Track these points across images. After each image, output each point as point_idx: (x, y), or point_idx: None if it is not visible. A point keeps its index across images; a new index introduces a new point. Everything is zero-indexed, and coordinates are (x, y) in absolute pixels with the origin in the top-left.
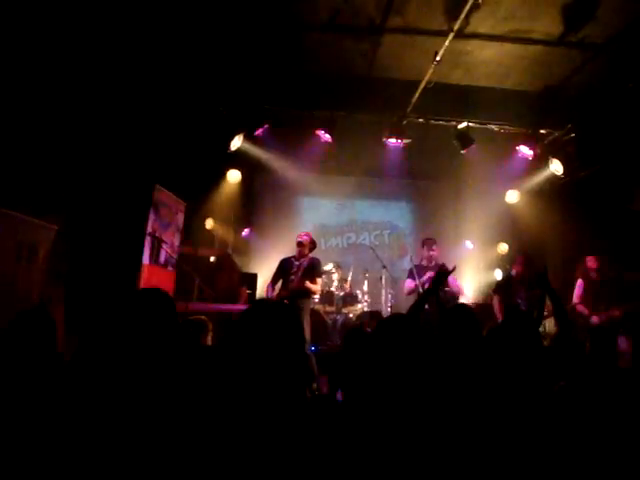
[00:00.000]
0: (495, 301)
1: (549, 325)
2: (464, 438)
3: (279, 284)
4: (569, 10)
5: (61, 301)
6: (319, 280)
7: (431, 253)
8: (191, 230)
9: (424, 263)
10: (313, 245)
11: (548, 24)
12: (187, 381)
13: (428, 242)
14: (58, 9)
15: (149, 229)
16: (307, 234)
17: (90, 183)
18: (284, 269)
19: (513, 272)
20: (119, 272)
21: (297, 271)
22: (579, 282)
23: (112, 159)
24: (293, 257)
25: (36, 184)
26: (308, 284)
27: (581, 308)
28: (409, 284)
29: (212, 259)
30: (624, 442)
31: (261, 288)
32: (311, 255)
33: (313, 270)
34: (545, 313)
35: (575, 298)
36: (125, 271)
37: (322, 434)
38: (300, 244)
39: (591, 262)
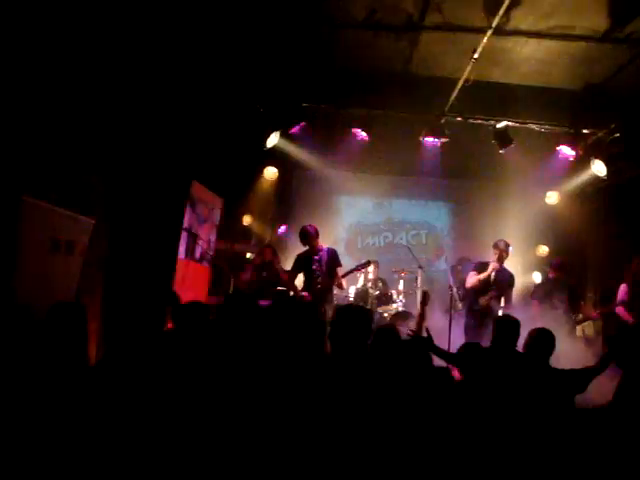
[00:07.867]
0: (534, 305)
1: (588, 329)
2: None
3: (299, 279)
4: (615, 4)
5: (98, 294)
6: (340, 270)
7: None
8: (228, 226)
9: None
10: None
11: (592, 19)
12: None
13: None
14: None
15: (185, 224)
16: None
17: (127, 178)
18: (304, 265)
19: (550, 276)
20: (155, 267)
21: (320, 266)
22: (623, 286)
23: (150, 155)
24: (307, 252)
25: (74, 178)
26: (341, 283)
27: (622, 312)
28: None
29: (248, 255)
30: None
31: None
32: (326, 246)
33: (335, 261)
34: (581, 317)
35: (617, 302)
36: (161, 266)
37: None
38: (312, 236)
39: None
